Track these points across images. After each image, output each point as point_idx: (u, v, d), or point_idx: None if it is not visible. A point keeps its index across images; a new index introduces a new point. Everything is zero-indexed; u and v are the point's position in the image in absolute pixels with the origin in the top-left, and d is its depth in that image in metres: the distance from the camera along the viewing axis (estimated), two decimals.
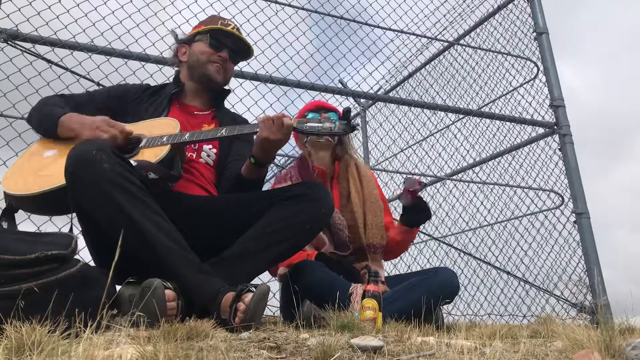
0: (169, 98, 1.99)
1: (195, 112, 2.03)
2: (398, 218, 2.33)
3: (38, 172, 1.70)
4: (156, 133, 1.76)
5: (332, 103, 3.27)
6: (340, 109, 2.37)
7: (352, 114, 2.26)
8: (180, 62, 2.08)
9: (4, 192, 1.69)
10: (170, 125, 1.80)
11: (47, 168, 1.70)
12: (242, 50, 2.07)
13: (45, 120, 1.80)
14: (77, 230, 1.72)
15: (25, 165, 1.76)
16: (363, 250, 2.21)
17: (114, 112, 1.89)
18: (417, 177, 2.18)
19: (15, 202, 1.68)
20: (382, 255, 2.30)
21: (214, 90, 2.07)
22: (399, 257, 4.07)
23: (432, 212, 2.27)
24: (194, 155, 1.93)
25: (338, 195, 2.28)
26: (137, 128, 1.83)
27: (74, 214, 1.61)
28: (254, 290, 1.37)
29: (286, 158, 5.21)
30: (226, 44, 2.02)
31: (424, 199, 2.22)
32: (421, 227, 2.97)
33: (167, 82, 2.20)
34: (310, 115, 2.28)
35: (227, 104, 2.21)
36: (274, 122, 1.67)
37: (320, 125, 1.64)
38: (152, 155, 1.68)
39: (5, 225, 1.65)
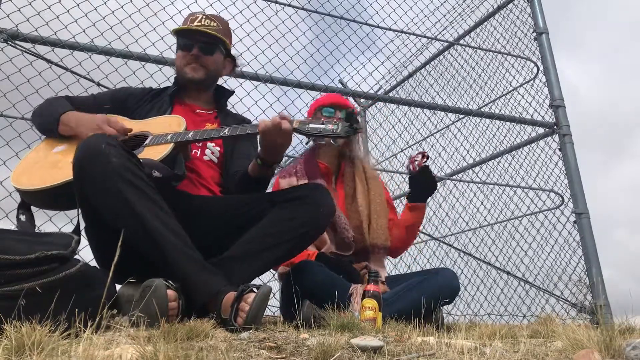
0: (170, 97, 2.00)
1: (197, 111, 2.04)
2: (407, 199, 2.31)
3: (46, 167, 1.72)
4: (162, 130, 1.76)
5: None
6: (354, 106, 2.38)
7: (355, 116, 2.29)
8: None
9: (15, 189, 1.71)
10: (176, 122, 1.80)
11: (56, 163, 1.72)
12: (215, 39, 2.01)
13: (47, 118, 1.81)
14: (82, 226, 1.72)
15: (34, 161, 1.78)
16: (366, 250, 2.21)
17: (118, 113, 1.92)
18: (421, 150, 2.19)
19: (26, 198, 1.70)
20: (385, 255, 2.30)
21: (211, 90, 2.08)
22: (398, 257, 4.07)
23: (437, 183, 2.26)
24: (198, 153, 1.93)
25: (343, 194, 2.28)
26: (143, 125, 1.83)
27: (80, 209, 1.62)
28: (256, 290, 1.35)
29: (286, 157, 5.22)
30: (196, 39, 1.99)
31: (431, 170, 2.21)
32: (421, 227, 2.95)
33: (169, 84, 2.21)
34: (324, 110, 2.27)
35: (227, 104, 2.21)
36: (273, 127, 1.65)
37: (322, 127, 1.60)
38: (155, 153, 1.67)
39: (23, 218, 1.67)
